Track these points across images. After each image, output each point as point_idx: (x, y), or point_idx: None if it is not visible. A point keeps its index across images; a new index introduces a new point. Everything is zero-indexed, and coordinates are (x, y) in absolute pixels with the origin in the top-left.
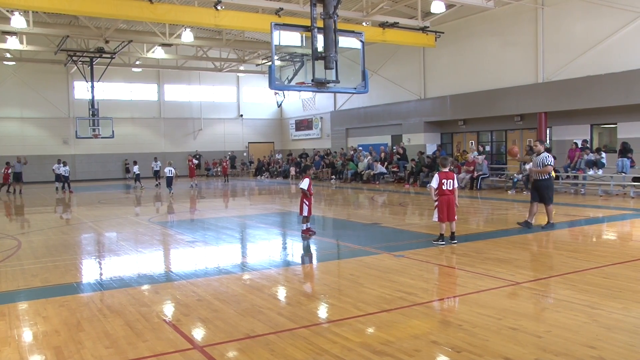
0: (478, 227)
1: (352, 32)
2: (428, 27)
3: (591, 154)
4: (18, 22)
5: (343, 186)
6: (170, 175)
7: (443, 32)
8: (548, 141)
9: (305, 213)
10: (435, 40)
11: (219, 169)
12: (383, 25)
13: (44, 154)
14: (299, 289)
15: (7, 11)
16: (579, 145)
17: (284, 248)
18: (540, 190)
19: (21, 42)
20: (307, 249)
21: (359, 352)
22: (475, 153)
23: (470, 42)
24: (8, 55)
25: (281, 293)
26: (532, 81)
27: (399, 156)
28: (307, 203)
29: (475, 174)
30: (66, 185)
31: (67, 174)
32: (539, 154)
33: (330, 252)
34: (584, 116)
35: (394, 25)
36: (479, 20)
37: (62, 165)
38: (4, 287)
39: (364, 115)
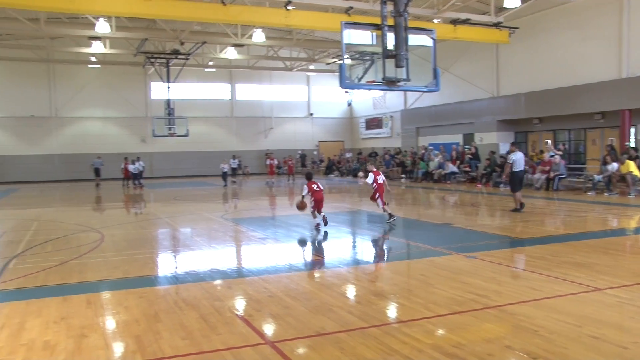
0: (555, 230)
1: (423, 29)
2: (502, 22)
3: None
4: (102, 27)
5: (413, 185)
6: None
7: (518, 28)
8: (632, 141)
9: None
10: (509, 36)
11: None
12: (454, 22)
13: (124, 152)
14: (369, 288)
15: (93, 18)
16: None
17: (354, 247)
18: (510, 182)
19: (105, 46)
20: (377, 248)
21: (429, 353)
22: (552, 152)
23: (547, 37)
24: (93, 58)
25: (351, 291)
26: (615, 76)
27: (470, 156)
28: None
29: (552, 174)
30: (136, 181)
31: (136, 171)
32: (510, 153)
33: (400, 251)
34: None
35: (466, 21)
36: (557, 14)
37: (130, 163)
38: (90, 277)
39: (435, 114)
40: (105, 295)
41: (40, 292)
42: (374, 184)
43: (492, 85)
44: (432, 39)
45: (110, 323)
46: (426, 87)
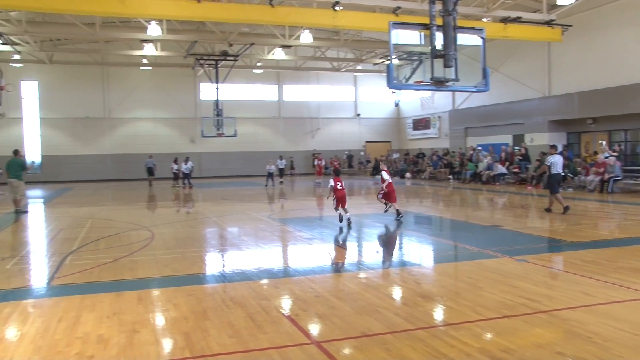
0: (610, 233)
1: (472, 28)
2: (554, 20)
3: None
4: (154, 30)
5: (461, 187)
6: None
7: (571, 25)
8: None
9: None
10: (562, 34)
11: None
12: (505, 20)
13: (174, 152)
14: (415, 289)
15: (145, 21)
16: None
17: (400, 248)
18: (548, 183)
19: (156, 49)
20: (423, 250)
21: (477, 357)
22: (607, 153)
23: (602, 35)
24: (145, 61)
25: (397, 293)
26: None
27: (520, 157)
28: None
29: (606, 176)
30: (187, 181)
31: (187, 171)
32: (549, 155)
33: (447, 253)
34: None
35: (517, 20)
36: (613, 10)
37: (183, 163)
38: (141, 274)
39: (484, 114)
40: (155, 292)
41: (94, 288)
42: (383, 183)
43: (543, 85)
44: (482, 38)
45: (160, 319)
46: (475, 87)
